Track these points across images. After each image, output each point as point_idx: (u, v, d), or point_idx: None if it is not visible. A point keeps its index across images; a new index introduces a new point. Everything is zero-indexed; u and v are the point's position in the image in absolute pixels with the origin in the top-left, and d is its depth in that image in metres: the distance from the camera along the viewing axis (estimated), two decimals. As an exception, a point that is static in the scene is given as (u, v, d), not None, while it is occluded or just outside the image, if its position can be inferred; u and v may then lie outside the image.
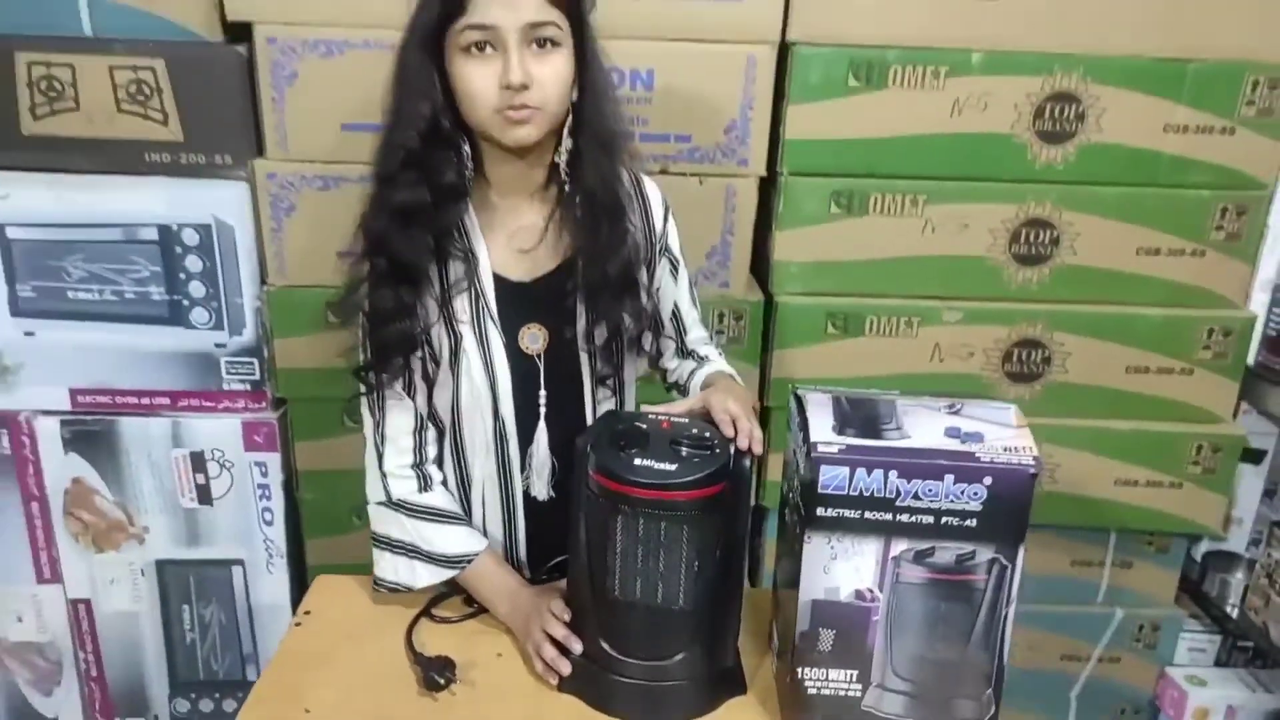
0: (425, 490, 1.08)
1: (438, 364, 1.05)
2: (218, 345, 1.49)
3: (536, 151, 1.01)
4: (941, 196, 1.46)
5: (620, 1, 1.34)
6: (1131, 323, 1.52)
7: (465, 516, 1.10)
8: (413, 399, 1.06)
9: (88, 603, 1.62)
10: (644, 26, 1.37)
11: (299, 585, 1.61)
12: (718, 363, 1.18)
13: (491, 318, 1.03)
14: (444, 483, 1.10)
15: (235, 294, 1.47)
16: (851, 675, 0.88)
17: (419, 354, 1.03)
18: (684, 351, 1.19)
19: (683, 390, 1.18)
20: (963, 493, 0.81)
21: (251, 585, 1.60)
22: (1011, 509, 0.82)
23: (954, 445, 0.83)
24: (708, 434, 0.93)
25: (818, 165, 1.45)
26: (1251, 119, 1.44)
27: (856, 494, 0.83)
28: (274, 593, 1.61)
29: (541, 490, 1.08)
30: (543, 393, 1.05)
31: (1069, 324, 1.52)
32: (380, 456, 1.08)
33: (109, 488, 1.55)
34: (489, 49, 0.92)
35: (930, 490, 0.82)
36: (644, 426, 0.94)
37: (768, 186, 1.49)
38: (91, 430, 1.52)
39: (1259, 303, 1.54)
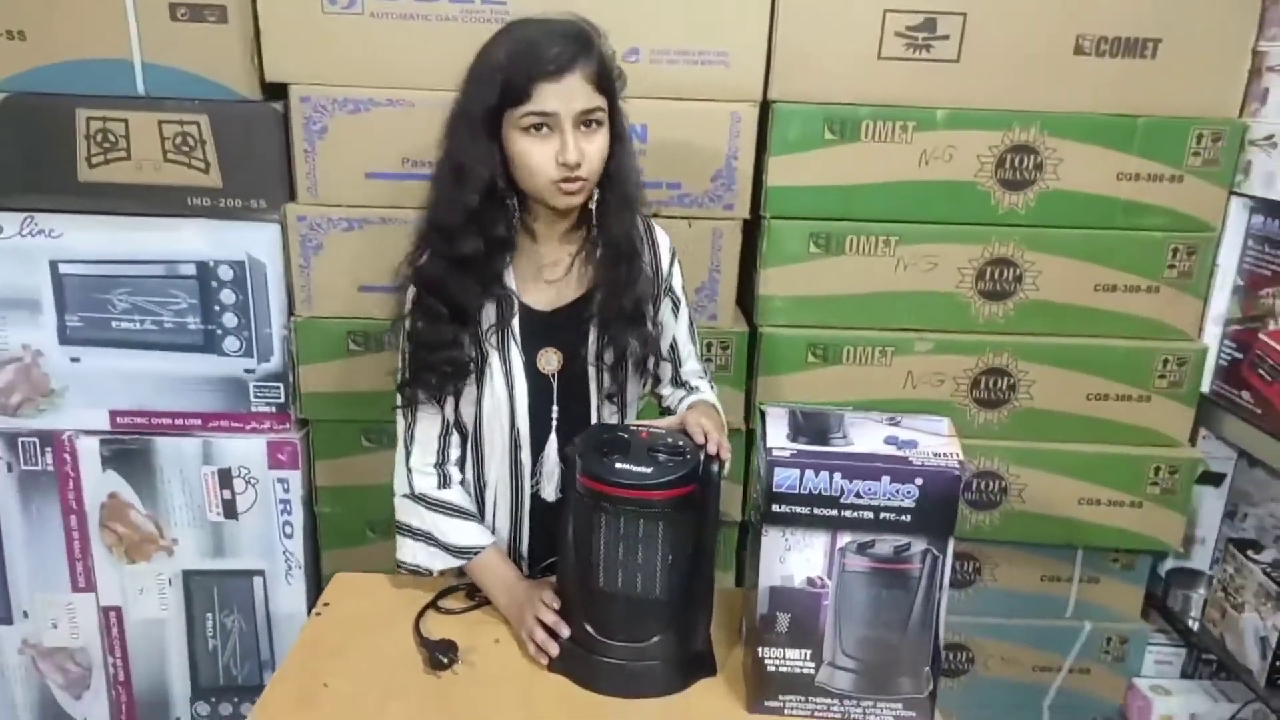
0: (444, 487, 1.21)
1: (465, 379, 1.18)
2: (247, 371, 1.60)
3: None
4: (912, 238, 1.55)
5: (619, 65, 1.47)
6: (1092, 353, 1.60)
7: (477, 513, 1.23)
8: (441, 407, 1.20)
9: (118, 610, 1.70)
10: (640, 86, 1.43)
11: (315, 595, 1.66)
12: (706, 394, 1.30)
13: (515, 341, 1.17)
14: (462, 482, 1.23)
15: (265, 324, 1.58)
16: (806, 654, 0.98)
17: (462, 376, 1.17)
18: (678, 381, 1.31)
19: (673, 414, 1.29)
20: (898, 492, 0.93)
21: (271, 595, 1.69)
22: (940, 506, 0.93)
23: (891, 451, 0.95)
24: (681, 443, 1.05)
25: (798, 209, 1.55)
26: (1198, 168, 1.53)
27: (807, 493, 0.94)
28: (292, 602, 1.69)
29: (550, 493, 1.20)
30: (555, 408, 1.18)
31: (1033, 354, 1.60)
32: (408, 454, 1.21)
33: (142, 502, 1.64)
34: (545, 129, 1.06)
35: (870, 489, 0.93)
36: (626, 436, 1.06)
37: (752, 229, 1.59)
38: (129, 449, 1.62)
39: (1211, 335, 1.63)
